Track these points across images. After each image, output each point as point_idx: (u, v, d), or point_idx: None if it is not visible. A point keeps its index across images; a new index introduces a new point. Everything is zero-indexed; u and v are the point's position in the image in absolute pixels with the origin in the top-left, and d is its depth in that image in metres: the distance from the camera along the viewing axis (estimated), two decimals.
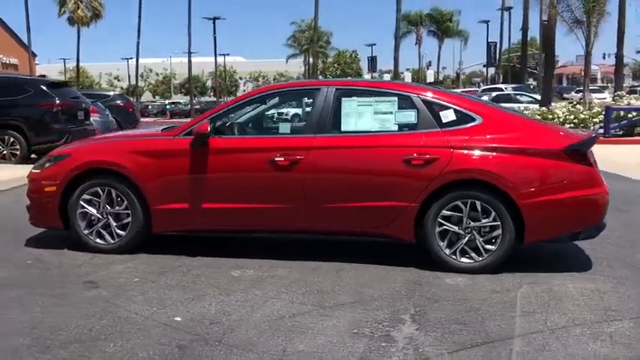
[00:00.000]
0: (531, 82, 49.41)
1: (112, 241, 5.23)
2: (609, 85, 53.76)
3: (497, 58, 50.91)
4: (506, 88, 30.49)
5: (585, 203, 4.68)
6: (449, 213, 4.73)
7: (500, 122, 4.88)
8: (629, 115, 16.12)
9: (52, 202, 5.27)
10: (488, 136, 4.77)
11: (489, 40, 51.65)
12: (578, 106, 18.05)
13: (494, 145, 4.72)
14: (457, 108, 4.90)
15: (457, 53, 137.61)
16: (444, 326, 3.69)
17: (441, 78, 69.25)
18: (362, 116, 4.99)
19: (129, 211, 5.16)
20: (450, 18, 58.74)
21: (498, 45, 49.60)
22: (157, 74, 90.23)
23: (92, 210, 5.24)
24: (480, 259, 4.72)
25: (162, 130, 5.55)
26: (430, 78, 58.76)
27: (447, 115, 4.88)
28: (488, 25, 52.55)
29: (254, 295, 4.22)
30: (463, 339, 3.50)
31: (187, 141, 5.07)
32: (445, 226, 4.75)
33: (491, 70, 74.62)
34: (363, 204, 4.84)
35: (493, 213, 4.66)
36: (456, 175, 4.69)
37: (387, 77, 49.52)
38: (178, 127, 5.29)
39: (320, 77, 75.92)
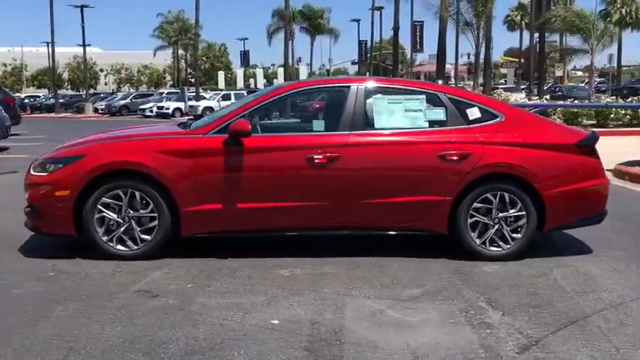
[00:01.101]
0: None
1: (136, 247, 4.92)
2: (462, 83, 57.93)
3: (368, 55, 53.11)
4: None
5: (594, 192, 5.21)
6: (479, 205, 5.04)
7: (519, 119, 5.27)
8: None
9: (64, 208, 4.84)
10: (511, 133, 5.13)
11: (360, 39, 53.60)
12: None
13: (518, 140, 5.09)
14: (481, 106, 5.22)
15: (328, 50, 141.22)
16: (523, 310, 3.97)
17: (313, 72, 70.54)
18: (393, 113, 5.14)
19: (155, 214, 4.88)
20: (321, 15, 60.03)
21: (369, 43, 51.73)
22: (5, 65, 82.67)
23: (112, 214, 4.89)
24: (507, 247, 5.08)
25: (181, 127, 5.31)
26: (303, 74, 59.68)
27: (473, 113, 5.18)
28: (359, 24, 54.50)
29: (326, 294, 4.23)
30: (548, 320, 3.80)
31: (220, 139, 4.90)
32: (476, 218, 5.05)
33: (356, 68, 77.38)
34: (400, 199, 5.00)
35: (519, 204, 5.04)
36: (488, 170, 5.00)
37: (281, 71, 49.54)
38: (207, 125, 5.08)
39: (190, 70, 74.20)
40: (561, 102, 19.73)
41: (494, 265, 4.95)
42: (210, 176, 4.89)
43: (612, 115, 17.63)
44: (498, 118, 5.19)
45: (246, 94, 34.30)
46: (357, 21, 53.91)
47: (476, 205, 5.03)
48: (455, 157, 4.97)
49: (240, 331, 3.55)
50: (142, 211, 4.89)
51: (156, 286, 4.35)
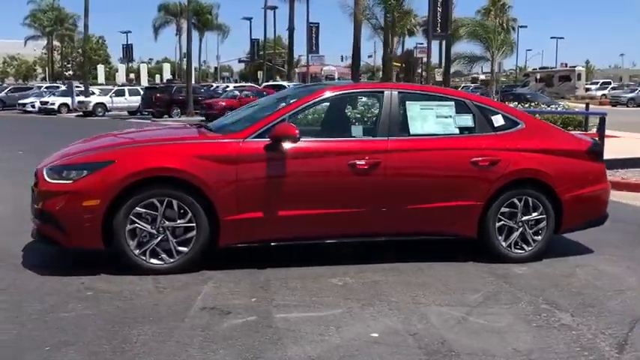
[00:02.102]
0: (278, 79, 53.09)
1: (172, 260, 4.57)
2: None
3: (260, 54, 52.88)
4: (288, 86, 31.94)
5: (600, 196, 5.60)
6: (506, 209, 5.23)
7: (538, 127, 5.55)
8: None
9: (93, 219, 4.38)
10: (533, 140, 5.37)
11: (253, 37, 53.21)
12: None
13: (540, 147, 5.34)
14: (504, 113, 5.41)
15: (216, 47, 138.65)
16: (585, 310, 4.17)
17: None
18: (426, 120, 5.19)
19: (193, 224, 4.56)
20: (209, 11, 58.78)
21: (262, 42, 51.50)
22: None
23: (145, 226, 4.50)
24: (529, 249, 5.31)
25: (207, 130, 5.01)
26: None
27: (498, 120, 5.36)
28: (251, 22, 54.02)
29: (396, 303, 4.18)
30: (615, 319, 4.02)
31: (262, 144, 4.68)
32: (503, 222, 5.23)
33: (242, 66, 76.70)
34: (435, 205, 5.06)
35: (540, 207, 5.29)
36: (515, 175, 5.20)
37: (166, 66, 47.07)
38: (246, 129, 4.81)
39: (64, 63, 69.62)
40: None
41: (522, 267, 5.15)
42: (252, 183, 4.65)
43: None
44: (519, 125, 5.41)
45: (141, 90, 32.88)
46: (249, 19, 53.42)
47: (503, 209, 5.21)
48: (486, 164, 5.12)
49: (349, 347, 3.42)
50: (179, 221, 4.55)
51: (219, 302, 4.06)
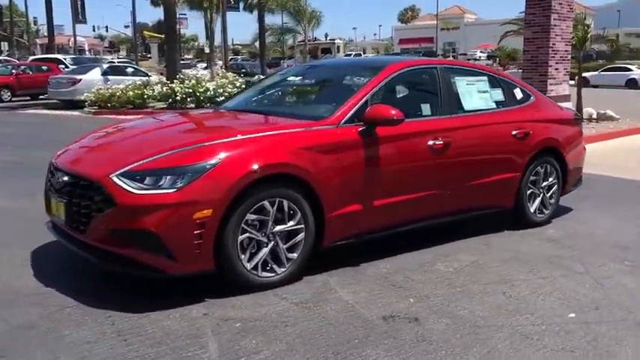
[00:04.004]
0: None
1: (282, 270, 3.92)
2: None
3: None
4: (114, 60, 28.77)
5: (584, 156, 6.25)
6: (533, 177, 5.55)
7: (542, 99, 5.93)
8: None
9: (206, 234, 3.52)
10: (544, 111, 5.75)
11: None
12: (206, 78, 19.17)
13: (549, 117, 5.76)
14: (521, 87, 5.68)
15: None
16: None
17: None
18: (472, 95, 5.21)
19: (302, 225, 3.96)
20: None
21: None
22: None
23: (256, 233, 3.78)
24: (547, 212, 5.74)
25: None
26: None
27: (519, 93, 5.62)
28: None
29: (535, 279, 4.19)
30: None
31: (355, 129, 4.23)
32: (531, 189, 5.56)
33: None
34: (490, 179, 5.15)
35: (555, 173, 5.74)
36: (542, 145, 5.53)
37: None
38: (335, 114, 4.24)
39: None
40: None
41: (550, 229, 5.54)
42: (351, 173, 4.18)
43: None
44: (532, 98, 5.74)
45: None
46: None
47: (532, 177, 5.52)
48: (521, 135, 5.35)
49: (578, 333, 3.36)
50: (290, 223, 3.90)
51: (382, 309, 3.60)
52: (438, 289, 3.96)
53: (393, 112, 4.21)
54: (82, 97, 18.58)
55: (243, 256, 3.71)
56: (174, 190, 3.46)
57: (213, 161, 3.59)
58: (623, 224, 5.75)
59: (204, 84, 17.44)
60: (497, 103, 5.40)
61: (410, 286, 4.01)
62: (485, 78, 5.40)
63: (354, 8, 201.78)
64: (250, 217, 3.70)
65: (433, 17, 75.41)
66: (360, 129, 4.24)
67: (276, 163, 3.78)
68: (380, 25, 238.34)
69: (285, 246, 3.90)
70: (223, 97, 17.23)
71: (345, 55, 59.71)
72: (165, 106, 17.74)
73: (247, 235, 3.72)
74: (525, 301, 3.78)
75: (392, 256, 4.59)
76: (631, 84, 34.55)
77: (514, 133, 5.28)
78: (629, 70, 36.08)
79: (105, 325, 3.30)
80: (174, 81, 17.94)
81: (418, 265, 4.42)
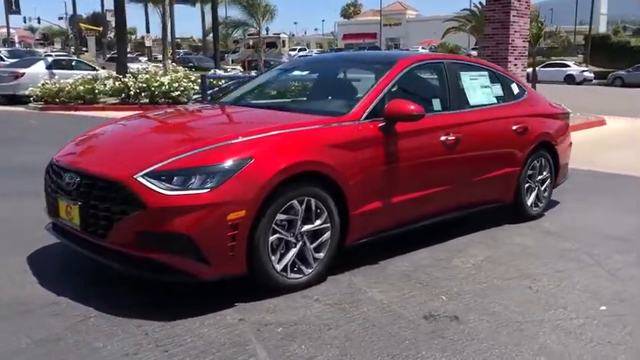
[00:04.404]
0: None
1: (310, 271, 3.80)
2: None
3: None
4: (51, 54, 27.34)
5: (570, 150, 6.39)
6: (530, 172, 5.64)
7: (535, 95, 6.02)
8: (220, 83, 17.95)
9: (239, 236, 3.37)
10: (537, 106, 5.85)
11: None
12: (158, 72, 18.60)
13: (542, 112, 5.86)
14: (516, 82, 5.75)
15: None
16: None
17: None
18: (476, 90, 5.22)
19: (328, 224, 3.85)
20: None
21: None
22: None
23: (285, 234, 3.65)
24: (541, 205, 5.84)
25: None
26: None
27: (515, 88, 5.68)
28: None
29: (556, 271, 4.23)
30: None
31: (374, 125, 4.15)
32: (529, 183, 5.64)
33: None
34: (494, 174, 5.18)
35: (548, 166, 5.85)
36: (539, 139, 5.62)
37: None
38: (355, 109, 4.14)
39: None
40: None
41: (546, 222, 5.64)
42: (372, 169, 4.10)
43: None
44: (526, 93, 5.81)
45: None
46: None
47: (529, 172, 5.60)
48: (521, 130, 5.41)
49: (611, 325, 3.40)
50: (317, 222, 3.78)
51: (418, 308, 3.54)
52: (465, 286, 3.93)
53: (413, 107, 4.16)
54: (27, 92, 17.67)
55: (273, 258, 3.58)
56: (208, 190, 3.28)
57: (244, 159, 3.43)
58: (613, 216, 5.91)
59: (158, 78, 16.92)
60: (498, 98, 5.44)
61: (435, 283, 3.97)
62: (486, 73, 5.43)
63: (294, 2, 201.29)
64: (280, 217, 3.57)
65: (375, 13, 76.24)
66: (380, 125, 4.16)
67: (306, 161, 3.65)
68: (323, 20, 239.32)
69: (312, 246, 3.78)
70: (179, 92, 16.83)
71: (291, 51, 59.62)
72: (117, 101, 17.12)
73: (277, 235, 3.59)
74: (553, 295, 3.81)
75: (404, 253, 4.54)
76: (569, 79, 36.01)
77: (515, 128, 5.33)
78: (567, 66, 37.57)
79: (138, 336, 3.10)
80: (127, 75, 17.33)
81: (435, 262, 4.40)
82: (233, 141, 3.58)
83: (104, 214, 3.41)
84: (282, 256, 3.65)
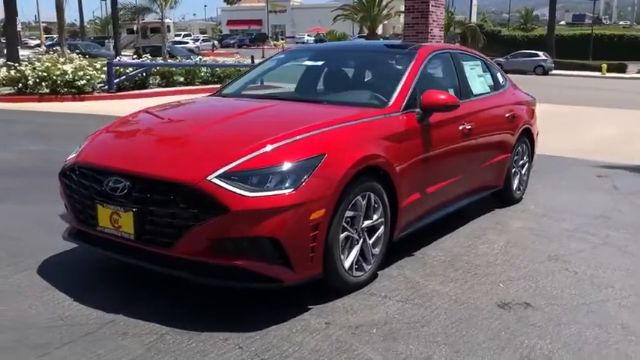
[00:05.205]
0: None
1: (368, 267, 3.71)
2: None
3: None
4: None
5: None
6: (516, 157, 5.89)
7: (512, 83, 6.25)
8: (127, 71, 16.98)
9: (319, 237, 3.22)
10: (515, 94, 6.09)
11: None
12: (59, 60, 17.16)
13: (521, 100, 6.11)
14: (500, 72, 5.95)
15: None
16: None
17: None
18: (475, 79, 5.33)
19: (383, 219, 3.78)
20: None
21: None
22: None
23: (352, 231, 3.54)
24: (522, 188, 6.13)
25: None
26: None
27: (500, 77, 5.89)
28: None
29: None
30: None
31: (412, 116, 4.13)
32: (515, 168, 5.89)
33: None
34: (494, 160, 5.36)
35: (527, 151, 6.14)
36: (524, 126, 5.87)
37: None
38: (394, 101, 4.08)
39: None
40: (161, 61, 19.68)
41: (530, 205, 5.93)
42: (414, 161, 4.06)
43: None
44: (507, 83, 6.04)
45: None
46: None
47: (515, 157, 5.84)
48: (511, 118, 5.62)
49: None
50: (375, 217, 3.70)
51: (486, 297, 3.58)
52: (510, 272, 4.03)
53: (447, 97, 4.18)
54: None
55: (342, 256, 3.45)
56: (292, 189, 3.09)
57: (318, 156, 3.26)
58: (578, 196, 6.31)
59: (60, 66, 15.66)
60: (490, 87, 5.60)
61: (481, 271, 4.03)
62: (479, 62, 5.57)
63: None
64: (348, 213, 3.45)
65: None
66: (417, 115, 4.14)
67: (369, 155, 3.54)
68: (205, 6, 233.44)
69: (370, 241, 3.69)
70: (84, 81, 15.70)
71: (176, 36, 57.82)
72: (13, 91, 15.68)
73: (346, 233, 3.46)
74: (593, 276, 4.00)
75: (428, 242, 4.56)
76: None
77: (507, 115, 5.53)
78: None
79: (234, 350, 2.87)
80: (24, 63, 15.88)
81: (464, 250, 4.47)
82: (297, 137, 3.39)
83: (168, 220, 3.10)
84: (347, 254, 3.53)
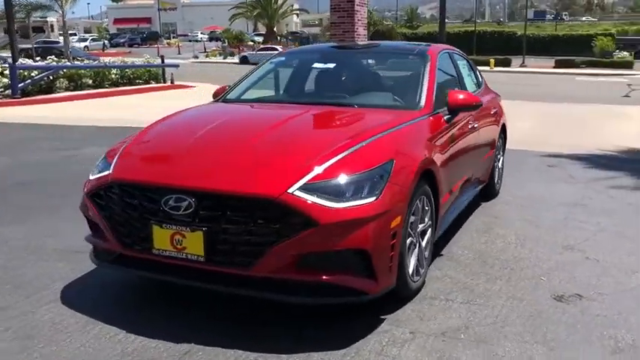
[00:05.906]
0: None
1: (422, 271, 3.68)
2: None
3: None
4: None
5: None
6: (496, 152, 6.10)
7: (485, 83, 6.45)
8: (32, 74, 15.75)
9: (397, 245, 3.14)
10: (491, 91, 6.30)
11: None
12: None
13: (494, 96, 6.32)
14: (478, 71, 6.13)
15: None
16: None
17: None
18: (467, 78, 5.46)
19: (431, 221, 3.77)
20: None
21: None
22: None
23: (414, 236, 3.50)
24: (500, 181, 6.36)
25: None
26: None
27: (479, 76, 6.06)
28: None
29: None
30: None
31: (441, 116, 4.16)
32: (496, 162, 6.10)
33: None
34: (487, 155, 5.52)
35: (502, 146, 6.39)
36: (502, 121, 6.10)
37: None
38: (425, 103, 4.06)
39: None
40: (67, 63, 18.22)
41: (509, 197, 6.16)
42: (446, 162, 4.08)
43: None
44: (483, 82, 6.23)
45: None
46: None
47: (496, 152, 6.05)
48: (495, 114, 5.82)
49: None
50: (426, 219, 3.68)
51: (537, 291, 3.67)
52: (540, 265, 4.16)
53: (469, 96, 4.25)
54: None
55: (407, 263, 3.40)
56: (374, 198, 2.99)
57: (389, 161, 3.18)
58: (546, 186, 6.63)
59: None
60: (475, 85, 5.75)
61: (515, 265, 4.13)
62: (465, 61, 5.69)
63: None
64: (411, 218, 3.40)
65: None
66: (445, 116, 4.17)
67: (426, 159, 3.52)
68: (88, 3, 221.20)
69: (423, 245, 3.67)
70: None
71: (61, 35, 54.41)
72: None
73: (410, 239, 3.41)
74: (619, 262, 4.19)
75: (445, 241, 4.60)
76: None
77: (492, 112, 5.71)
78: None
79: None
80: None
81: (484, 246, 4.55)
82: (362, 144, 3.29)
83: (245, 238, 2.90)
84: (409, 260, 3.48)
